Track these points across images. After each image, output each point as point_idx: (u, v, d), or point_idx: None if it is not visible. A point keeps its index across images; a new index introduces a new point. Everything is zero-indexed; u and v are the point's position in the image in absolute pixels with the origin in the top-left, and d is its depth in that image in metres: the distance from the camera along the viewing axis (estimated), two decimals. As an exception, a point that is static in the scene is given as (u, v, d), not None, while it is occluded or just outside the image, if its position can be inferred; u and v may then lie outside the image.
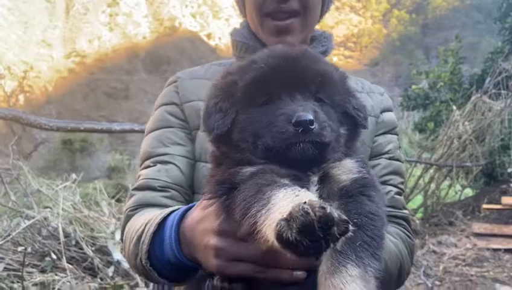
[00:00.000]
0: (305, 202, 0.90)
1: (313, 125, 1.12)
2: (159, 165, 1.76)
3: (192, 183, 1.77)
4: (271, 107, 1.20)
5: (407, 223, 1.80)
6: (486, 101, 10.85)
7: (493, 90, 11.14)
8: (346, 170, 1.21)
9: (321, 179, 1.19)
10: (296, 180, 1.14)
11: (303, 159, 1.15)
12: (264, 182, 1.08)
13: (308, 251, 0.89)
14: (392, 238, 1.69)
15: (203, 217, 1.28)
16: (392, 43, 70.94)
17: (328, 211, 0.88)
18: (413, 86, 14.65)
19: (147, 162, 1.79)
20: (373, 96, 1.93)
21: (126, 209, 1.75)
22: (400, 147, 1.94)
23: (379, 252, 1.10)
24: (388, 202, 1.74)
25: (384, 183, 1.79)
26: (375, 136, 1.86)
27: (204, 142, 1.70)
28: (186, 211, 1.40)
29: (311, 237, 0.87)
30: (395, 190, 1.81)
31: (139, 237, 1.48)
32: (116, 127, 6.18)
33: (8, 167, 4.60)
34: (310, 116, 1.12)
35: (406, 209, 1.85)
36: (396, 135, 1.94)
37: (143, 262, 1.45)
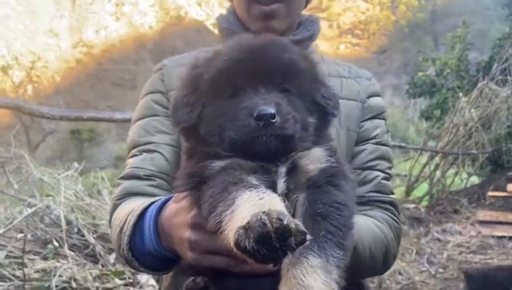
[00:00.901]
0: (264, 212, 0.90)
1: (274, 118, 1.11)
2: (144, 154, 1.76)
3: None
4: (235, 100, 1.19)
5: (394, 208, 1.80)
6: (492, 88, 10.71)
7: (500, 77, 10.99)
8: (314, 159, 1.21)
9: (289, 170, 1.19)
10: (264, 173, 1.15)
11: (266, 152, 1.16)
12: (231, 180, 1.08)
13: (266, 259, 0.90)
14: (378, 223, 1.68)
15: (177, 210, 1.30)
16: (401, 30, 69.98)
17: (285, 222, 0.88)
18: (420, 73, 14.48)
19: (133, 151, 1.80)
20: (360, 81, 1.91)
21: (113, 198, 1.77)
22: (387, 132, 1.92)
23: (344, 242, 1.10)
24: (375, 187, 1.76)
25: (371, 168, 1.78)
26: (362, 121, 1.84)
27: None
28: (165, 202, 1.41)
29: (267, 247, 0.88)
30: (382, 175, 1.80)
31: (122, 227, 1.50)
32: (118, 116, 6.22)
33: (10, 155, 4.65)
34: (271, 110, 1.11)
35: (393, 194, 1.85)
36: (384, 119, 1.91)
37: (125, 252, 1.47)
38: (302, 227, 0.91)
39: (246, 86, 1.19)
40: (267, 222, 0.88)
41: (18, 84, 33.35)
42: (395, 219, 1.78)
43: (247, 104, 1.15)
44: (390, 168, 1.87)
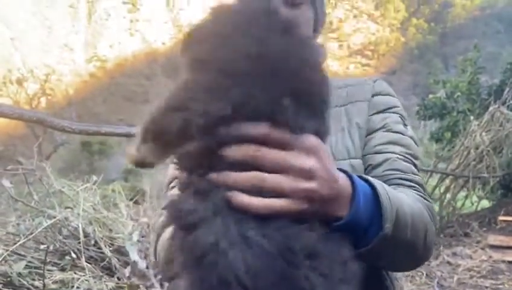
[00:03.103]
0: None
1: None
2: None
3: None
4: None
5: (420, 186, 1.50)
6: (504, 112, 10.74)
7: (511, 101, 11.04)
8: None
9: None
10: None
11: None
12: None
13: None
14: (411, 197, 1.37)
15: None
16: (410, 52, 70.32)
17: None
18: (430, 95, 14.53)
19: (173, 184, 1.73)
20: (365, 85, 1.83)
21: (157, 229, 1.64)
22: (404, 124, 1.70)
23: None
24: (390, 165, 1.51)
25: (380, 152, 1.57)
26: (369, 116, 1.71)
27: None
28: None
29: None
30: (395, 156, 1.54)
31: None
32: (134, 131, 6.36)
33: (33, 167, 4.78)
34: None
35: (417, 175, 1.54)
36: (397, 114, 1.72)
37: None
38: None
39: None
40: None
41: (32, 96, 33.94)
42: (425, 196, 1.47)
43: None
44: (410, 154, 1.58)
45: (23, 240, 4.51)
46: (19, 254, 4.48)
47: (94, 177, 5.68)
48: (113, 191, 6.22)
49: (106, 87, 44.01)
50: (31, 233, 4.59)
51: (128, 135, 6.84)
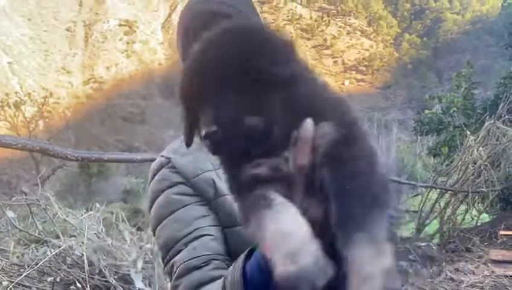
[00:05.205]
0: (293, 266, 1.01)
1: (216, 134, 1.14)
2: (191, 244, 1.67)
3: (229, 249, 1.68)
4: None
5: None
6: (500, 127, 10.85)
7: (507, 116, 11.15)
8: (320, 134, 1.19)
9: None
10: (275, 168, 1.18)
11: (236, 155, 1.19)
12: (251, 197, 1.17)
13: None
14: None
15: None
16: (404, 67, 71.12)
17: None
18: (426, 111, 14.68)
19: (177, 247, 1.69)
20: None
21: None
22: None
23: (379, 203, 1.12)
24: None
25: None
26: None
27: (232, 206, 1.65)
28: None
29: None
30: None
31: None
32: (137, 157, 6.43)
33: (37, 197, 4.82)
34: (211, 129, 1.14)
35: None
36: None
37: None
38: (329, 270, 1.01)
39: (197, 107, 1.22)
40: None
41: (30, 119, 34.03)
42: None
43: (199, 128, 1.19)
44: None
45: (28, 271, 4.52)
46: (24, 285, 4.49)
47: (97, 205, 5.72)
48: (111, 213, 6.25)
49: (103, 108, 44.17)
50: (36, 263, 4.60)
51: (131, 161, 6.91)
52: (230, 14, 1.79)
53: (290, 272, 1.01)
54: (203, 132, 1.14)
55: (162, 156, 1.85)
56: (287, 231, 1.07)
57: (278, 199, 1.15)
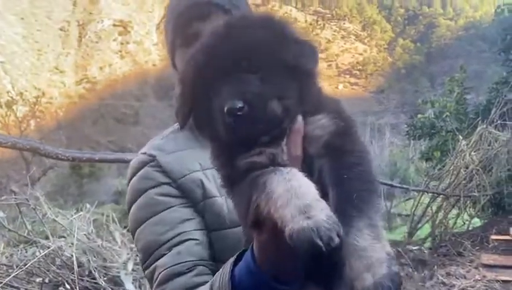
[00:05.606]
0: (307, 216, 1.02)
1: (242, 110, 1.11)
2: (175, 248, 1.59)
3: (214, 253, 1.64)
4: (210, 98, 1.20)
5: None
6: (492, 132, 10.94)
7: (499, 121, 11.24)
8: (319, 126, 1.23)
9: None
10: (271, 153, 1.19)
11: (252, 138, 1.18)
12: (253, 173, 1.16)
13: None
14: None
15: None
16: (398, 71, 71.64)
17: (336, 242, 1.00)
18: (419, 115, 14.76)
19: (160, 252, 1.61)
20: None
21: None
22: None
23: (375, 187, 1.17)
24: None
25: None
26: None
27: (221, 208, 1.65)
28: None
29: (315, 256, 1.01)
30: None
31: None
32: (129, 157, 6.37)
33: (26, 197, 4.74)
34: (237, 104, 1.11)
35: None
36: None
37: None
38: (340, 228, 1.02)
39: (215, 82, 1.19)
40: (320, 243, 0.99)
41: (21, 119, 33.69)
42: None
43: (218, 102, 1.16)
44: None
45: (16, 272, 4.45)
46: (12, 286, 4.41)
47: (87, 205, 5.65)
48: (102, 214, 6.18)
49: (96, 108, 43.92)
50: (25, 264, 4.53)
51: (122, 161, 6.84)
52: (229, 9, 1.75)
53: (305, 227, 1.00)
54: (227, 107, 1.11)
55: (144, 153, 1.75)
56: (297, 188, 1.08)
57: (282, 168, 1.16)
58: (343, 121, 1.24)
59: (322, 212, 1.03)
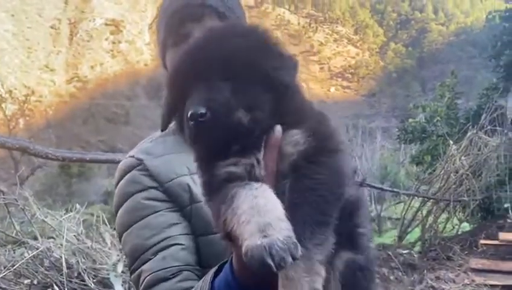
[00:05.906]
0: (264, 235, 1.02)
1: (203, 117, 1.12)
2: (161, 253, 1.59)
3: (200, 259, 1.64)
4: (185, 103, 1.21)
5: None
6: (482, 137, 11.05)
7: (489, 127, 11.37)
8: (291, 142, 1.21)
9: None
10: (244, 164, 1.18)
11: (216, 146, 1.18)
12: (224, 184, 1.16)
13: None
14: None
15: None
16: (389, 75, 72.19)
17: (289, 261, 0.99)
18: (410, 119, 14.89)
19: (146, 256, 1.60)
20: None
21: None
22: None
23: (325, 218, 1.13)
24: None
25: None
26: None
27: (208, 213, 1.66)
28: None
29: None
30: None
31: None
32: (120, 157, 6.31)
33: (15, 197, 4.67)
34: (200, 110, 1.12)
35: None
36: None
37: None
38: (296, 249, 1.01)
39: (189, 87, 1.20)
40: (270, 263, 0.98)
41: (10, 117, 33.30)
42: None
43: (186, 107, 1.17)
44: None
45: (4, 273, 4.36)
46: (0, 287, 4.33)
47: (77, 206, 5.58)
48: (92, 215, 6.11)
49: (86, 108, 43.55)
50: (13, 265, 4.44)
51: (113, 162, 6.77)
52: (223, 12, 1.75)
53: (259, 245, 1.00)
54: (189, 112, 1.12)
55: (132, 156, 1.74)
56: (261, 206, 1.07)
57: (253, 182, 1.15)
58: (319, 140, 1.20)
59: (281, 232, 1.02)
